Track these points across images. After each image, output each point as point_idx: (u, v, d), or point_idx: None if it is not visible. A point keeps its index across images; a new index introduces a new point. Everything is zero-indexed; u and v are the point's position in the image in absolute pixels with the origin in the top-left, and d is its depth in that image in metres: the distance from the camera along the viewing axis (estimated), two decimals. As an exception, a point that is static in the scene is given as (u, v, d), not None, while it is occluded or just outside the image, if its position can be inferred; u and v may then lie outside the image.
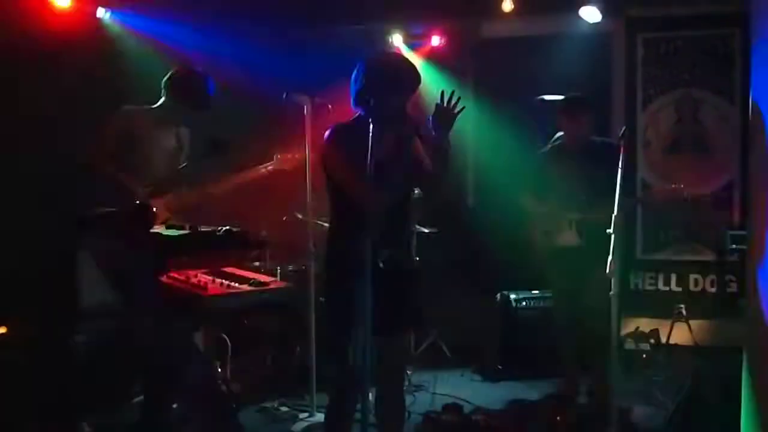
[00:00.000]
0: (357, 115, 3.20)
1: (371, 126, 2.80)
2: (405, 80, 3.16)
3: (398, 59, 3.31)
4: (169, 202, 4.16)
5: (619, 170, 3.62)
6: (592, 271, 4.45)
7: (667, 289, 5.99)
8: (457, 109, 3.08)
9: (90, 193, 3.94)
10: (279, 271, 5.18)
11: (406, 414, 4.10)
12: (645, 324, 5.68)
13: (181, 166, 4.17)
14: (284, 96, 4.37)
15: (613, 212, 3.57)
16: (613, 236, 3.52)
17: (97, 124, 4.11)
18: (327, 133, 3.22)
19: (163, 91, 4.16)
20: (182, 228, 3.54)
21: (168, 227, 3.63)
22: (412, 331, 3.50)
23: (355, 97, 3.16)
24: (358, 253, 2.71)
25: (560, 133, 4.70)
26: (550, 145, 4.75)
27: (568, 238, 4.55)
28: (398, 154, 3.12)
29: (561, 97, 4.73)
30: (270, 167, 4.49)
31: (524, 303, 5.47)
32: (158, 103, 4.17)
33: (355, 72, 3.19)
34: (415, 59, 6.26)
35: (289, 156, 4.51)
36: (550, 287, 5.07)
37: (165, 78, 4.16)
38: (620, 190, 3.60)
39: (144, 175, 4.04)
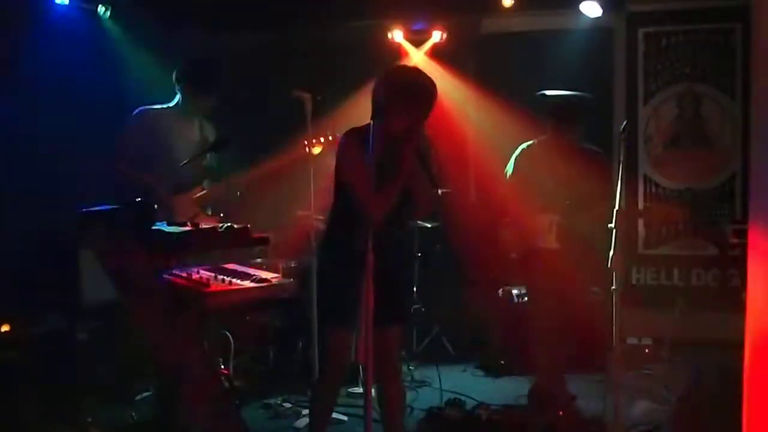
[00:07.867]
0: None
1: (380, 138, 2.82)
2: (419, 99, 3.14)
3: (415, 76, 3.20)
4: (198, 197, 4.17)
5: (620, 164, 3.62)
6: (572, 273, 4.43)
7: (670, 283, 5.99)
8: None
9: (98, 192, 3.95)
10: (281, 267, 5.18)
11: (408, 409, 4.12)
12: (647, 319, 5.68)
13: (186, 162, 4.13)
14: (286, 93, 4.37)
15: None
16: (614, 231, 3.51)
17: (115, 128, 4.14)
18: (342, 136, 3.27)
19: (176, 86, 4.17)
20: (184, 225, 3.55)
21: (169, 224, 3.63)
22: (402, 325, 3.50)
23: (373, 112, 3.13)
24: (357, 250, 2.75)
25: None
26: (536, 140, 4.61)
27: (548, 240, 4.43)
28: (406, 170, 3.14)
29: (558, 93, 4.65)
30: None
31: (526, 298, 5.46)
32: (174, 100, 4.19)
33: (373, 86, 3.18)
34: (417, 55, 6.29)
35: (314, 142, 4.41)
36: (527, 286, 5.04)
37: (175, 73, 4.17)
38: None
39: (170, 172, 4.04)
